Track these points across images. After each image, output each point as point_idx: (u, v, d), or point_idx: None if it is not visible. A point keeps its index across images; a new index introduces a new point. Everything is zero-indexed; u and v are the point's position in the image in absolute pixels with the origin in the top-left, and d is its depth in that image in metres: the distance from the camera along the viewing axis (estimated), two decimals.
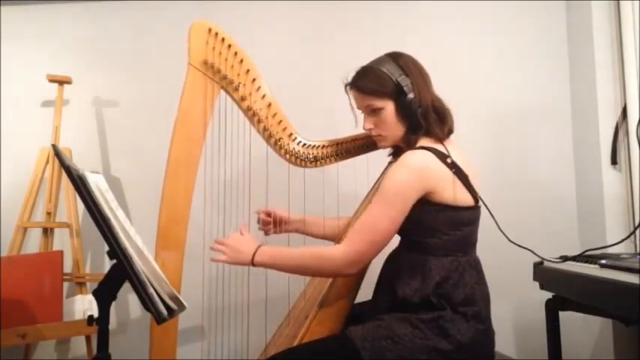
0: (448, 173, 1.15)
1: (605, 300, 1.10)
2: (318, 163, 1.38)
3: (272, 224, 1.49)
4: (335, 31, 2.14)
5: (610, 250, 1.40)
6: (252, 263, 1.22)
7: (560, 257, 1.35)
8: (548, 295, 1.39)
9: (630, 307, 0.97)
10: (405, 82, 1.19)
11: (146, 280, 0.98)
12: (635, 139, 1.69)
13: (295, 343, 1.22)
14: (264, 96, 1.34)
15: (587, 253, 1.28)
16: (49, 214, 2.03)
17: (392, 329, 1.12)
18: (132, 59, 2.21)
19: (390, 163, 1.43)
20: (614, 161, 1.81)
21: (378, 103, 1.21)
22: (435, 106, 1.22)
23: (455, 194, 1.15)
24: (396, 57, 1.23)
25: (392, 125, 1.22)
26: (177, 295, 1.06)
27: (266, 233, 1.52)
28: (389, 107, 1.21)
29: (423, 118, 1.19)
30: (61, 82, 2.09)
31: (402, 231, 1.25)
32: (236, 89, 1.32)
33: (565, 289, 1.30)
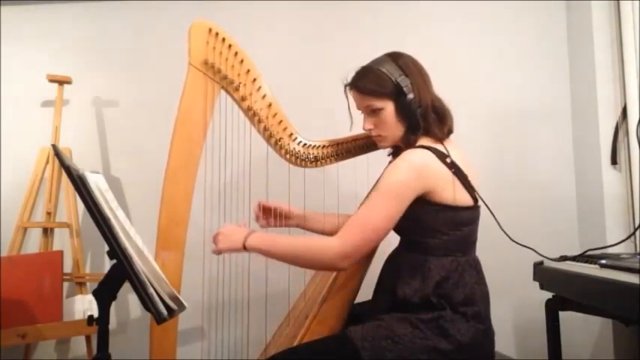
0: (447, 173, 1.15)
1: (605, 300, 1.09)
2: (319, 163, 1.38)
3: (273, 217, 1.49)
4: (335, 31, 2.14)
5: (610, 250, 1.40)
6: (244, 246, 1.20)
7: (560, 257, 1.35)
8: (548, 295, 1.39)
9: (630, 307, 0.97)
10: (404, 82, 1.19)
11: (146, 280, 0.98)
12: (635, 139, 1.69)
13: (295, 343, 1.22)
14: (264, 96, 1.34)
15: (588, 253, 1.28)
16: (49, 214, 2.03)
17: (392, 329, 1.12)
18: (132, 59, 2.21)
19: (390, 163, 1.43)
20: (614, 161, 1.81)
21: (378, 103, 1.21)
22: (434, 106, 1.21)
23: (454, 194, 1.15)
24: (395, 57, 1.23)
25: (392, 125, 1.22)
26: (177, 295, 1.06)
27: (267, 225, 1.51)
28: (389, 107, 1.21)
29: (423, 119, 1.19)
30: (61, 82, 2.09)
31: (401, 231, 1.25)
32: (236, 89, 1.32)
33: (565, 289, 1.30)
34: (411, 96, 1.18)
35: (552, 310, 1.40)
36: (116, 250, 0.97)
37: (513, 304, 1.99)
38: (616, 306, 1.07)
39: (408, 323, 1.13)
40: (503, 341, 1.39)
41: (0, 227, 2.10)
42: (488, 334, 1.18)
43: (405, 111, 1.20)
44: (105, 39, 2.23)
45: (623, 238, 1.48)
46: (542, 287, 1.37)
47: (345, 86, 1.28)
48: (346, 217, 1.50)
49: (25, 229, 2.01)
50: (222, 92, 1.34)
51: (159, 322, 0.98)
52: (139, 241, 1.04)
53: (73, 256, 2.00)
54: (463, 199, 1.17)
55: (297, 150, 1.35)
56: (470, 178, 1.18)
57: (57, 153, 1.07)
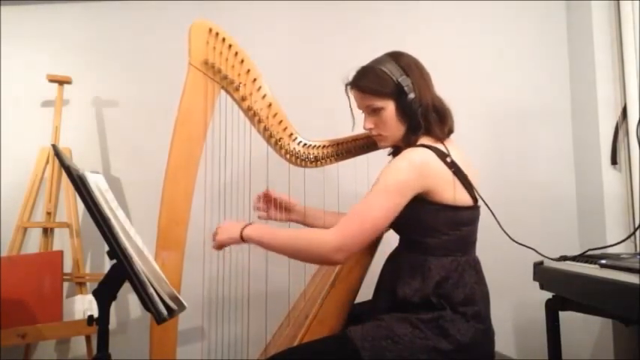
0: (448, 172, 1.15)
1: (605, 300, 1.09)
2: (319, 163, 1.38)
3: (274, 207, 1.49)
4: (335, 31, 2.14)
5: (610, 250, 1.40)
6: (241, 236, 1.21)
7: (560, 257, 1.35)
8: (548, 295, 1.39)
9: (630, 307, 0.97)
10: (405, 82, 1.19)
11: (146, 280, 0.98)
12: (635, 139, 1.69)
13: (295, 343, 1.22)
14: (264, 96, 1.34)
15: (588, 253, 1.28)
16: (49, 214, 2.03)
17: (392, 329, 1.12)
18: (132, 59, 2.21)
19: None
20: (614, 161, 1.81)
21: (379, 102, 1.21)
22: (435, 106, 1.21)
23: (454, 194, 1.15)
24: (396, 57, 1.23)
25: (392, 125, 1.22)
26: (178, 295, 1.06)
27: (267, 218, 1.51)
28: (389, 107, 1.21)
29: (424, 118, 1.19)
30: (61, 82, 2.09)
31: (401, 230, 1.25)
32: (237, 89, 1.32)
33: (565, 289, 1.30)
34: (412, 96, 1.18)
35: (552, 310, 1.40)
36: (116, 250, 0.97)
37: (513, 304, 1.99)
38: (616, 306, 1.07)
39: (408, 323, 1.13)
40: (503, 341, 1.39)
41: (0, 227, 2.10)
42: (488, 334, 1.18)
43: (405, 110, 1.20)
44: (105, 39, 2.23)
45: (623, 238, 1.48)
46: (542, 287, 1.37)
47: (346, 85, 1.28)
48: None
49: (25, 229, 2.01)
50: (223, 92, 1.34)
51: (159, 322, 0.98)
52: (139, 241, 1.04)
53: (73, 256, 2.00)
54: (463, 198, 1.17)
55: (297, 150, 1.35)
56: (470, 177, 1.18)
57: (57, 153, 1.07)
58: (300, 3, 2.16)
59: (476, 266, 1.22)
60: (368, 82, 1.22)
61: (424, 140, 1.21)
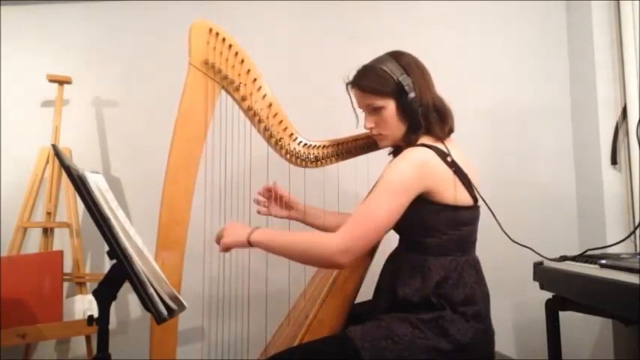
0: (448, 172, 1.15)
1: (605, 300, 1.09)
2: (319, 163, 1.38)
3: (274, 202, 1.49)
4: (335, 31, 2.14)
5: (610, 250, 1.40)
6: (248, 240, 1.20)
7: (560, 257, 1.35)
8: (548, 295, 1.39)
9: (630, 307, 0.97)
10: (406, 81, 1.19)
11: (146, 280, 0.98)
12: (635, 139, 1.70)
13: (295, 343, 1.22)
14: (264, 96, 1.34)
15: (587, 253, 1.28)
16: (49, 214, 2.03)
17: (392, 329, 1.12)
18: (132, 59, 2.21)
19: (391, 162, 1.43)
20: (614, 161, 1.81)
21: (379, 102, 1.21)
22: (436, 106, 1.21)
23: (455, 194, 1.15)
24: (397, 56, 1.23)
25: (393, 124, 1.22)
26: (178, 295, 1.06)
27: (267, 213, 1.51)
28: (390, 106, 1.21)
29: (424, 118, 1.19)
30: (61, 82, 2.09)
31: (401, 230, 1.25)
32: (237, 89, 1.32)
33: (565, 289, 1.30)
34: (412, 95, 1.18)
35: (552, 310, 1.40)
36: (116, 250, 0.97)
37: (513, 304, 1.99)
38: (616, 306, 1.07)
39: (408, 323, 1.13)
40: (503, 341, 1.39)
41: (0, 227, 2.10)
42: (488, 333, 1.18)
43: (406, 110, 1.19)
44: (105, 39, 2.23)
45: (623, 237, 1.47)
46: (542, 287, 1.37)
47: (347, 85, 1.28)
48: (347, 215, 1.50)
49: (25, 229, 2.01)
50: (223, 92, 1.34)
51: (159, 322, 0.98)
52: (139, 241, 1.04)
53: (73, 256, 2.00)
54: (463, 198, 1.17)
55: (297, 150, 1.35)
56: (470, 177, 1.18)
57: (57, 153, 1.07)
58: (300, 3, 2.16)
59: (476, 266, 1.22)
60: (368, 81, 1.22)
61: (424, 140, 1.20)
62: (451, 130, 1.24)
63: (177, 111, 1.29)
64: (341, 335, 1.16)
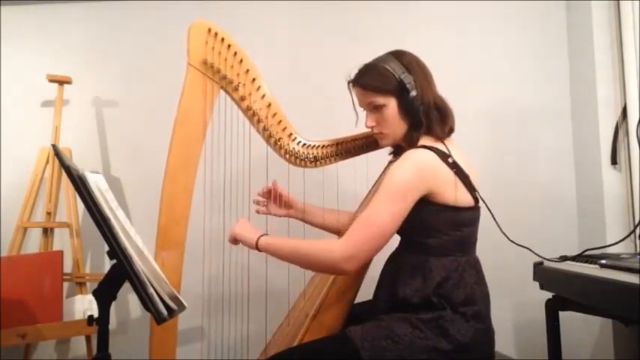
0: (449, 173, 1.15)
1: (605, 300, 1.10)
2: (318, 163, 1.38)
3: (273, 201, 1.49)
4: (335, 31, 2.14)
5: (610, 250, 1.40)
6: (257, 242, 1.22)
7: (560, 257, 1.35)
8: (548, 295, 1.39)
9: (630, 307, 0.97)
10: (407, 79, 1.18)
11: (146, 280, 0.98)
12: (635, 139, 1.69)
13: (295, 343, 1.22)
14: (263, 96, 1.34)
15: (587, 253, 1.28)
16: (49, 214, 2.03)
17: (392, 329, 1.12)
18: (132, 59, 2.21)
19: (390, 162, 1.43)
20: (614, 161, 1.81)
21: (381, 100, 1.21)
22: (437, 105, 1.21)
23: (456, 194, 1.15)
24: (399, 55, 1.23)
25: (394, 123, 1.22)
26: (177, 295, 1.06)
27: (267, 212, 1.51)
28: (391, 104, 1.21)
29: (425, 116, 1.19)
30: (61, 82, 2.09)
31: (402, 231, 1.24)
32: (236, 89, 1.32)
33: (565, 289, 1.30)
34: (414, 93, 1.18)
35: (552, 310, 1.40)
36: (116, 250, 0.97)
37: (513, 304, 1.99)
38: (616, 306, 1.07)
39: (408, 323, 1.13)
40: (503, 341, 1.39)
41: (0, 227, 2.10)
42: (488, 333, 1.18)
43: (407, 108, 1.19)
44: (105, 39, 2.23)
45: (623, 237, 1.47)
46: (542, 287, 1.37)
47: (349, 83, 1.28)
48: (346, 213, 1.50)
49: (25, 229, 2.01)
50: (222, 92, 1.33)
51: (159, 322, 0.98)
52: (139, 241, 1.04)
53: (73, 256, 2.00)
54: (464, 199, 1.17)
55: (296, 150, 1.35)
56: (471, 177, 1.18)
57: (57, 153, 1.07)
58: (300, 3, 2.16)
59: (476, 266, 1.22)
60: (370, 80, 1.22)
61: (425, 140, 1.20)
62: (451, 130, 1.24)
63: (176, 111, 1.29)
64: (341, 335, 1.16)
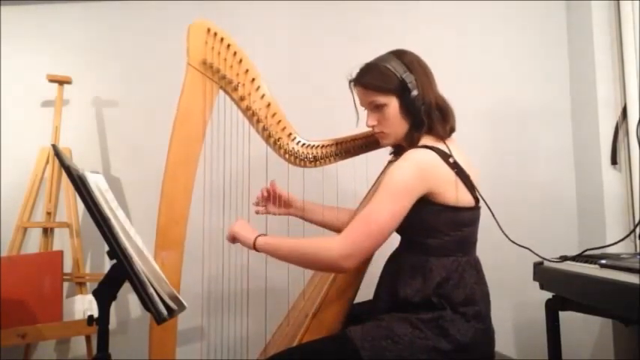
0: (450, 173, 1.15)
1: (605, 300, 1.09)
2: (318, 162, 1.38)
3: (272, 202, 1.49)
4: (335, 31, 2.14)
5: (610, 250, 1.40)
6: (254, 241, 1.22)
7: (560, 257, 1.35)
8: (548, 295, 1.39)
9: (630, 307, 0.97)
10: (409, 78, 1.18)
11: (146, 280, 0.98)
12: (635, 139, 1.69)
13: (295, 343, 1.22)
14: (263, 96, 1.34)
15: (587, 253, 1.28)
16: (49, 214, 2.03)
17: (392, 329, 1.12)
18: (132, 59, 2.21)
19: (390, 162, 1.43)
20: (614, 161, 1.81)
21: (382, 99, 1.21)
22: (438, 104, 1.21)
23: (457, 195, 1.15)
24: (400, 54, 1.24)
25: (395, 122, 1.22)
26: (177, 295, 1.06)
27: (266, 212, 1.51)
28: (392, 104, 1.21)
29: (426, 116, 1.19)
30: (61, 82, 2.09)
31: (402, 231, 1.24)
32: (235, 89, 1.32)
33: (565, 289, 1.30)
34: (415, 92, 1.18)
35: (552, 310, 1.40)
36: (116, 250, 0.97)
37: (513, 304, 1.99)
38: (616, 306, 1.07)
39: (408, 323, 1.13)
40: (503, 341, 1.39)
41: (0, 227, 2.10)
42: (488, 333, 1.18)
43: (409, 107, 1.19)
44: (105, 39, 2.23)
45: (622, 237, 1.47)
46: (542, 287, 1.37)
47: (350, 82, 1.28)
48: (345, 210, 1.50)
49: (25, 229, 2.01)
50: (221, 92, 1.33)
51: (159, 322, 0.98)
52: (139, 241, 1.04)
53: (73, 256, 2.00)
54: (465, 199, 1.17)
55: (296, 150, 1.35)
56: (472, 177, 1.18)
57: (57, 153, 1.07)
58: (300, 3, 2.16)
59: (476, 266, 1.22)
60: (371, 79, 1.22)
61: (426, 140, 1.20)
62: (452, 130, 1.24)
63: (176, 111, 1.29)
64: (341, 335, 1.16)
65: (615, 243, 1.25)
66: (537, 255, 1.30)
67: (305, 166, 1.37)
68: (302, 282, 1.49)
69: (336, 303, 1.29)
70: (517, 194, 2.01)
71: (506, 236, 1.22)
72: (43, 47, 2.24)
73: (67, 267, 1.96)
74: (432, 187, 1.13)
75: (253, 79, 1.33)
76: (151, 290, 0.98)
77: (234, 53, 1.32)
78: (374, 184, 1.49)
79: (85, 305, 1.88)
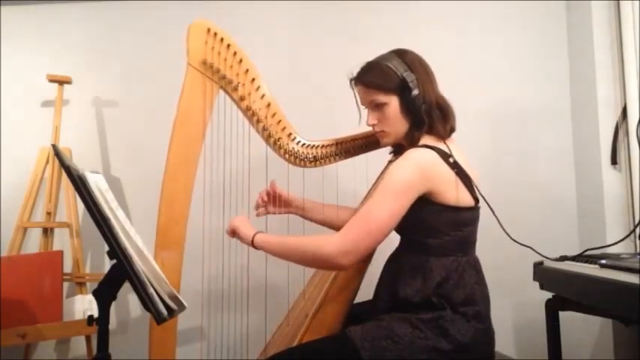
0: (451, 173, 1.15)
1: (605, 300, 1.09)
2: (318, 162, 1.38)
3: (272, 203, 1.49)
4: (335, 31, 2.14)
5: (610, 250, 1.40)
6: (253, 238, 1.22)
7: (560, 257, 1.35)
8: (548, 295, 1.39)
9: (630, 307, 0.97)
10: (410, 77, 1.19)
11: (146, 280, 0.98)
12: (635, 139, 1.69)
13: (295, 343, 1.22)
14: (263, 96, 1.34)
15: (587, 252, 1.28)
16: (49, 214, 2.03)
17: (392, 329, 1.12)
18: (132, 59, 2.21)
19: (390, 161, 1.43)
20: (614, 161, 1.81)
21: (383, 98, 1.21)
22: (438, 103, 1.21)
23: (457, 195, 1.15)
24: (401, 53, 1.24)
25: (396, 121, 1.22)
26: (177, 295, 1.06)
27: (266, 213, 1.51)
28: (393, 102, 1.21)
29: (427, 115, 1.19)
30: (61, 82, 2.09)
31: (403, 231, 1.25)
32: (235, 89, 1.32)
33: (565, 289, 1.30)
34: (416, 92, 1.18)
35: (552, 310, 1.40)
36: (116, 250, 0.97)
37: (513, 304, 1.99)
38: (616, 306, 1.07)
39: (408, 323, 1.13)
40: (503, 341, 1.39)
41: (0, 227, 2.10)
42: (488, 333, 1.18)
43: (409, 106, 1.19)
44: (105, 39, 2.23)
45: (623, 237, 1.47)
46: (542, 287, 1.37)
47: (351, 81, 1.28)
48: (346, 208, 1.50)
49: (25, 229, 2.01)
50: (221, 92, 1.33)
51: (159, 322, 0.98)
52: (139, 241, 1.04)
53: (73, 256, 2.00)
54: (465, 199, 1.17)
55: (296, 150, 1.35)
56: (472, 177, 1.18)
57: (57, 153, 1.07)
58: (300, 3, 2.16)
59: (476, 266, 1.22)
60: (372, 77, 1.22)
61: (426, 140, 1.20)
62: (452, 129, 1.24)
63: (176, 111, 1.29)
64: (341, 335, 1.16)
65: (615, 243, 1.25)
66: (538, 253, 1.30)
67: (305, 166, 1.37)
68: (302, 282, 1.49)
69: (336, 303, 1.29)
70: (517, 194, 2.01)
71: (508, 235, 1.22)
72: (43, 47, 2.24)
73: (67, 267, 1.96)
74: (432, 187, 1.13)
75: (253, 79, 1.33)
76: (151, 290, 0.98)
77: (234, 53, 1.32)
78: (374, 184, 1.49)
79: (85, 305, 1.88)
